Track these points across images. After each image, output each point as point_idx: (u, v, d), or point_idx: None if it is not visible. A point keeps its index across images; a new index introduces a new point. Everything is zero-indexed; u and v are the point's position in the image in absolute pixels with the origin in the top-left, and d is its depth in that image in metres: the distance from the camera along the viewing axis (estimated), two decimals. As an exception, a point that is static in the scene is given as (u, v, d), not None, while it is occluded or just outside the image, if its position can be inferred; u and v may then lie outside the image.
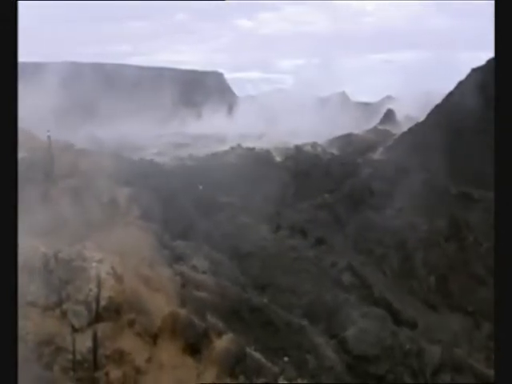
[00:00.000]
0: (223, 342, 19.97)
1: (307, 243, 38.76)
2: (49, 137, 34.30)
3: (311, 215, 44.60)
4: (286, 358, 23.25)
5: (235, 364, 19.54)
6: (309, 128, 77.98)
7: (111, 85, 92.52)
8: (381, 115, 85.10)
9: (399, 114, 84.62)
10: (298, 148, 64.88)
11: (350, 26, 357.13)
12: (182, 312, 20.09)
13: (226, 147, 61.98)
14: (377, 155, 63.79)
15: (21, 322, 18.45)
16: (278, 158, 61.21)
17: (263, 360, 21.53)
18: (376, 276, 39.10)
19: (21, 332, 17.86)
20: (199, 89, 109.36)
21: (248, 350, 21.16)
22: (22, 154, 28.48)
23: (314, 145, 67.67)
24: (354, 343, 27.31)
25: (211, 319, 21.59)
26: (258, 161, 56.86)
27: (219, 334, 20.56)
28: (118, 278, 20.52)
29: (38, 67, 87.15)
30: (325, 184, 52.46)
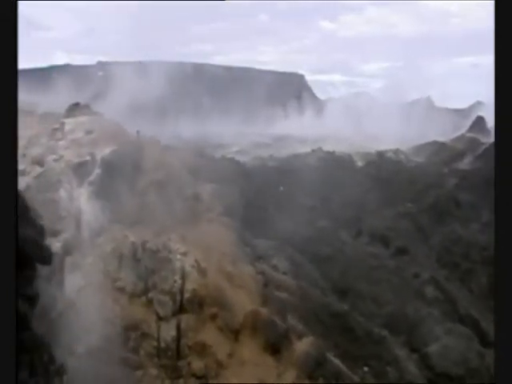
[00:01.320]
0: (304, 345, 19.59)
1: (388, 252, 37.37)
2: (138, 132, 35.75)
3: (393, 223, 42.92)
4: (365, 368, 22.44)
5: (315, 367, 19.10)
6: (392, 134, 75.50)
7: (195, 84, 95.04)
8: (469, 122, 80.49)
9: (490, 122, 79.66)
10: (380, 154, 62.96)
11: (434, 27, 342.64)
12: (264, 311, 19.95)
13: (306, 149, 61.36)
14: (464, 165, 60.33)
15: (110, 306, 19.35)
16: (360, 163, 59.72)
17: (342, 367, 20.90)
18: (461, 292, 36.83)
19: (109, 315, 18.70)
20: (280, 90, 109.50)
21: (328, 354, 20.63)
22: (113, 147, 29.99)
23: (396, 151, 65.36)
24: (437, 360, 25.86)
25: (291, 320, 21.30)
26: (339, 165, 55.81)
27: (300, 337, 20.21)
28: (202, 272, 20.81)
29: (124, 66, 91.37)
30: (407, 192, 50.39)
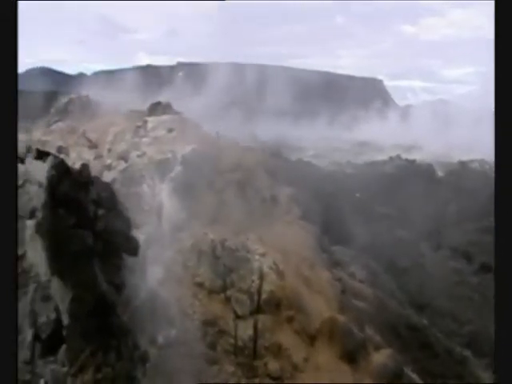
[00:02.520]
0: (381, 357, 18.90)
1: (471, 268, 35.38)
2: (217, 133, 36.37)
3: (476, 238, 40.59)
4: (445, 388, 21.34)
5: (392, 380, 18.38)
6: (476, 143, 71.72)
7: (272, 86, 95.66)
8: None
9: None
10: (462, 164, 59.99)
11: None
12: (341, 318, 19.48)
13: (384, 157, 59.77)
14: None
15: (189, 301, 19.70)
16: (440, 173, 57.21)
17: (420, 383, 19.98)
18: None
19: (188, 309, 19.03)
20: (359, 95, 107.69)
21: (405, 369, 19.79)
22: (193, 146, 30.69)
23: (481, 162, 61.94)
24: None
25: (368, 330, 20.64)
26: (418, 174, 53.72)
27: (377, 348, 19.54)
28: (280, 274, 20.68)
29: (201, 68, 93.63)
30: (492, 206, 47.53)
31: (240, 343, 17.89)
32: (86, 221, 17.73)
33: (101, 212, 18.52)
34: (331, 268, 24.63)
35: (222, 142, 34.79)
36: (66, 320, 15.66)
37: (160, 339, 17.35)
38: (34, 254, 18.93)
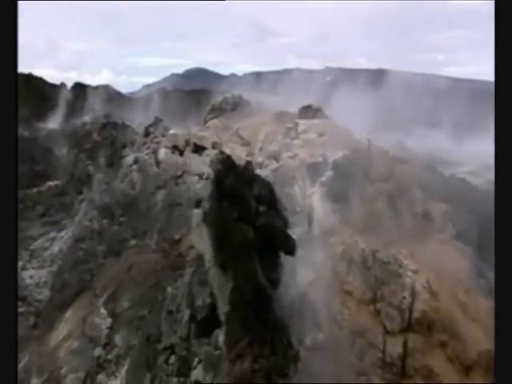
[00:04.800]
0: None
1: None
2: (369, 140, 35.54)
3: None
4: None
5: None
6: None
7: (423, 95, 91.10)
8: None
9: None
10: None
11: None
12: (502, 352, 17.84)
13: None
14: None
15: (338, 308, 19.62)
16: None
17: None
18: None
19: (337, 316, 18.95)
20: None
21: None
22: (343, 152, 30.43)
23: None
24: None
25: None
26: None
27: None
28: (433, 295, 19.67)
29: (350, 74, 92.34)
30: None
31: (388, 359, 17.40)
32: (248, 215, 18.61)
33: (262, 208, 19.31)
34: (489, 296, 22.70)
35: (373, 150, 34.02)
36: (225, 307, 16.60)
37: (307, 341, 17.56)
38: (199, 240, 20.44)
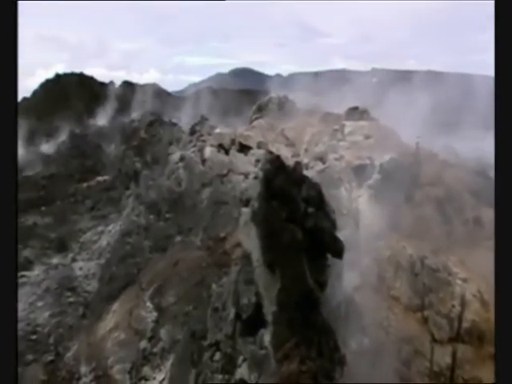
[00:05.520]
0: None
1: None
2: (417, 143, 34.80)
3: None
4: None
5: None
6: None
7: (473, 97, 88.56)
8: None
9: None
10: None
11: None
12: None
13: None
14: None
15: (384, 313, 19.38)
16: None
17: None
18: None
19: (383, 321, 18.73)
20: None
21: None
22: (391, 155, 29.93)
23: None
24: None
25: None
26: None
27: None
28: (484, 305, 19.11)
29: (396, 75, 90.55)
30: None
31: (436, 368, 17.06)
32: (297, 216, 18.62)
33: (310, 210, 19.25)
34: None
35: (422, 154, 33.35)
36: (271, 307, 16.69)
37: (353, 345, 17.44)
38: (246, 239, 20.60)
